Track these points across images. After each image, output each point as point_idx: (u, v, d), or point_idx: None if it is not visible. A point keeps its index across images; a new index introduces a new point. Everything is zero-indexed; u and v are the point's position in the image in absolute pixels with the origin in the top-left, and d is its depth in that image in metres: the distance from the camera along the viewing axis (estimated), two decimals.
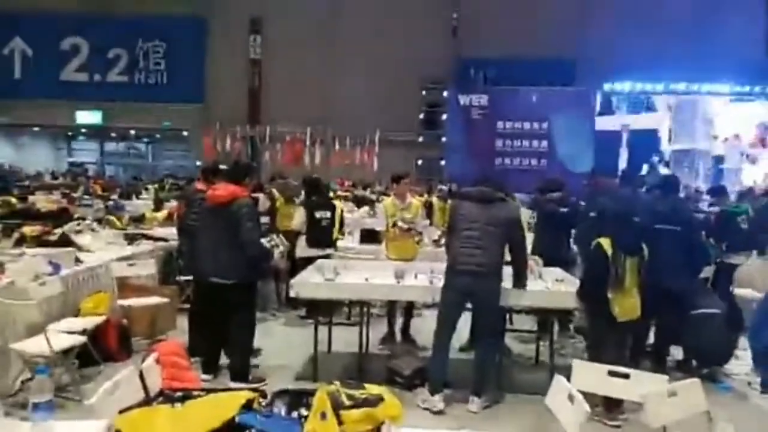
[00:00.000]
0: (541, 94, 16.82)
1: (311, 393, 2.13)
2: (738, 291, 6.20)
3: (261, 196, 6.78)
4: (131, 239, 6.81)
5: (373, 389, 2.13)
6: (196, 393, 2.24)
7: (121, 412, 2.08)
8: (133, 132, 23.76)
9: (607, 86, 17.04)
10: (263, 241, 4.79)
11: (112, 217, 7.95)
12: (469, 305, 4.45)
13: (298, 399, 2.17)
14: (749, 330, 4.88)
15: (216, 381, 4.56)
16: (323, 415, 1.97)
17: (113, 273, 5.41)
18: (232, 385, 4.35)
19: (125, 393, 2.27)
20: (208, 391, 2.28)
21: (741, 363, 5.13)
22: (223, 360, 4.76)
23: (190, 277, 5.43)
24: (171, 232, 6.89)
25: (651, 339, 5.10)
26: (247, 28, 19.04)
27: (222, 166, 6.16)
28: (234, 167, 5.04)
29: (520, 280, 4.38)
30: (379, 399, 2.05)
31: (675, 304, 4.65)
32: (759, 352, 4.62)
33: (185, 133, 22.36)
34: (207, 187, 5.21)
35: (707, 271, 6.08)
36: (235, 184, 4.63)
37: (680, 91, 16.77)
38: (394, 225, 5.70)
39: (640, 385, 2.77)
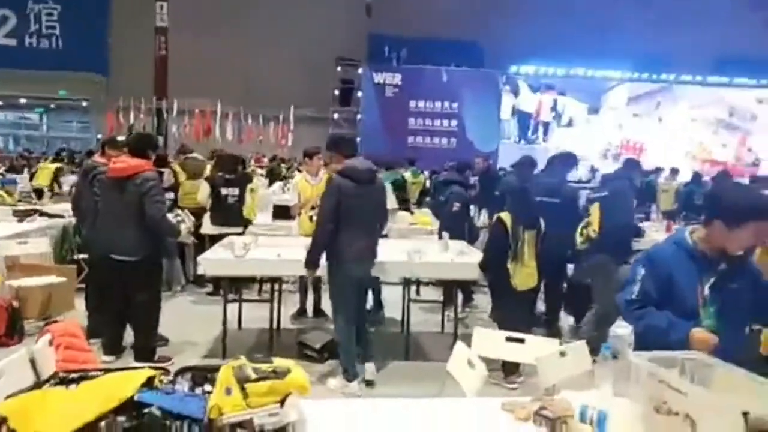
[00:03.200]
0: (451, 75, 17.23)
1: (216, 369, 2.10)
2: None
3: (166, 170, 6.53)
4: (23, 215, 6.35)
5: (281, 362, 2.14)
6: (93, 373, 2.15)
7: (7, 398, 1.97)
8: (24, 101, 21.88)
9: (513, 68, 17.69)
10: (169, 216, 4.63)
11: (2, 192, 7.37)
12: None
13: (202, 375, 2.14)
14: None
15: (119, 362, 4.40)
16: (228, 390, 1.95)
17: (1, 252, 5.03)
18: (136, 365, 4.21)
19: (13, 379, 2.14)
20: (107, 371, 2.20)
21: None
22: (128, 340, 4.59)
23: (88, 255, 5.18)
24: (67, 207, 6.48)
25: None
26: None
27: (120, 138, 5.86)
28: (136, 139, 4.80)
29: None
30: (286, 371, 2.05)
31: (563, 272, 5.00)
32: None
33: (85, 104, 20.89)
34: (107, 161, 4.95)
35: None
36: (138, 157, 4.43)
37: (579, 76, 17.76)
38: (312, 208, 5.65)
39: (535, 349, 2.96)
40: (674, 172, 11.79)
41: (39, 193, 8.19)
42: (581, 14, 17.32)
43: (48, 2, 20.15)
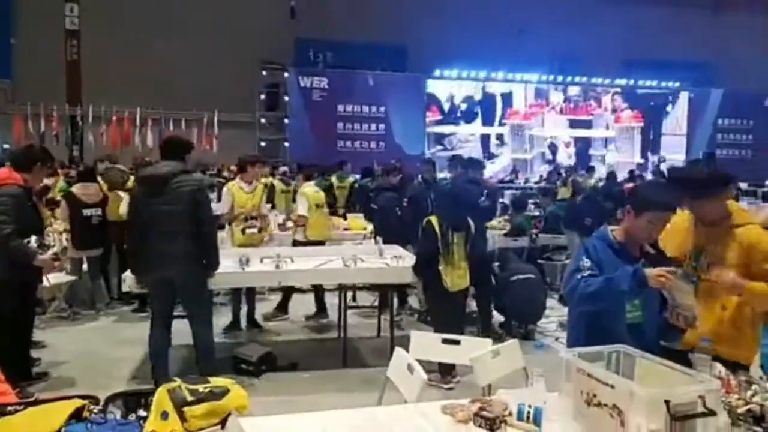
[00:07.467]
0: (377, 79, 17.38)
1: (149, 393, 2.02)
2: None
3: (92, 185, 6.25)
4: None
5: (218, 382, 2.08)
6: (11, 408, 2.01)
7: None
8: None
9: (436, 72, 18.07)
10: (32, 239, 4.09)
11: None
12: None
13: (134, 401, 2.05)
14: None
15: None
16: (164, 415, 1.88)
17: None
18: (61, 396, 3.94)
19: None
20: (27, 404, 2.06)
21: (550, 321, 5.87)
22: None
23: None
24: None
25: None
26: None
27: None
28: (19, 152, 4.53)
29: (210, 261, 4.14)
30: (225, 391, 2.00)
31: (492, 272, 5.18)
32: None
33: None
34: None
35: (522, 242, 6.82)
36: (20, 171, 4.15)
37: (499, 79, 18.38)
38: (246, 219, 5.57)
39: (469, 350, 3.03)
40: (590, 170, 12.45)
41: None
42: (502, 17, 17.91)
43: None
